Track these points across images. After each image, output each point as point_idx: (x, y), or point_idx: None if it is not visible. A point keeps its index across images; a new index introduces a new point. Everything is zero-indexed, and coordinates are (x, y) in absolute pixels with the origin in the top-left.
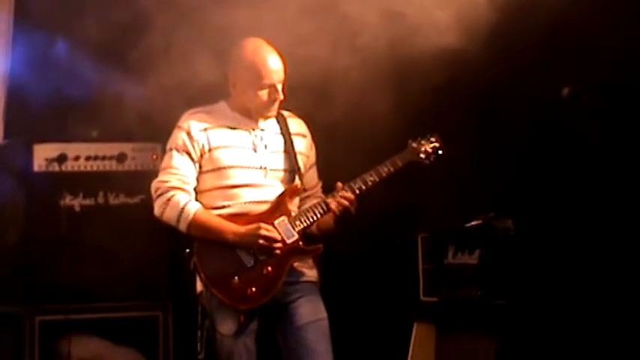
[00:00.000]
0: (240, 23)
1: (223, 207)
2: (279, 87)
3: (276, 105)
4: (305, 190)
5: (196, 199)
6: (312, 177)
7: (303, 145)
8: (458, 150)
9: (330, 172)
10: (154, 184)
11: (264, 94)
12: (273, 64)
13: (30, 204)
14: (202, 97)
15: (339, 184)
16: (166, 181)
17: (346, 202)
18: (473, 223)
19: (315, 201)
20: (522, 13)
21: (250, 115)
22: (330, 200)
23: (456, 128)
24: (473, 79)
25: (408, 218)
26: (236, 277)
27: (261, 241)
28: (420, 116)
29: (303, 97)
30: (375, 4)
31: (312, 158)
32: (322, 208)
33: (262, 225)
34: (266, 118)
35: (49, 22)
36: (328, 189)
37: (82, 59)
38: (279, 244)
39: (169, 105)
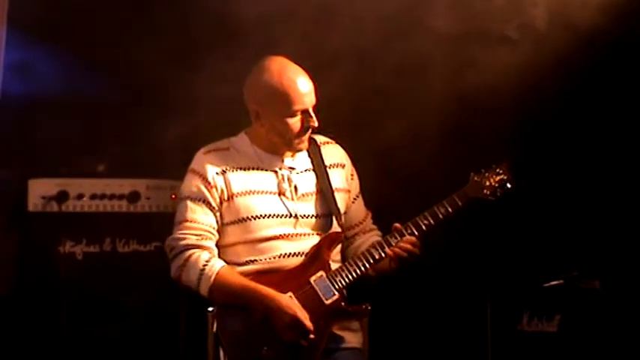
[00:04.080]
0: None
1: (250, 262)
2: (312, 112)
3: (308, 135)
4: (353, 227)
5: (218, 255)
6: (357, 210)
7: (342, 177)
8: (535, 196)
9: (380, 209)
10: (169, 243)
11: (295, 122)
12: (304, 86)
13: (23, 250)
14: (226, 126)
15: (398, 226)
16: (182, 238)
17: (409, 247)
18: (552, 283)
19: (366, 240)
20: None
21: (276, 149)
22: (383, 250)
23: (532, 169)
24: (552, 109)
25: (476, 276)
26: (265, 348)
27: (289, 328)
28: (485, 154)
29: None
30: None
31: (355, 189)
32: (369, 260)
33: (300, 323)
34: (296, 151)
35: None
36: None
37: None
38: (304, 343)
39: (190, 136)
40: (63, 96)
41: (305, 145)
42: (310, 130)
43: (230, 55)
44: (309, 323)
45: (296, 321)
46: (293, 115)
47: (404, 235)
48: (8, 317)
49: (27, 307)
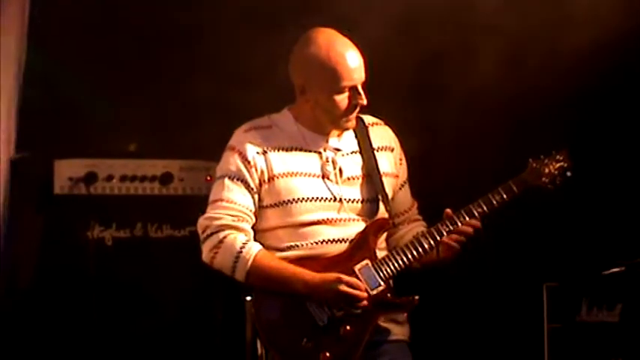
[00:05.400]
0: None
1: (290, 248)
2: (361, 88)
3: (356, 113)
4: (398, 215)
5: (256, 240)
6: (404, 198)
7: (391, 161)
8: (595, 179)
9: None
10: (202, 222)
11: (342, 99)
12: (353, 61)
13: (48, 236)
14: (268, 103)
15: (449, 212)
16: (217, 218)
17: (469, 230)
18: (614, 270)
19: (410, 230)
20: None
21: (321, 128)
22: (435, 239)
23: (592, 152)
24: (614, 94)
25: (532, 263)
26: (305, 339)
27: (340, 297)
28: (543, 132)
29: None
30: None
31: (403, 176)
32: (418, 249)
33: (343, 278)
34: (343, 130)
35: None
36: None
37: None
38: (364, 302)
39: (227, 113)
40: (90, 70)
41: (352, 123)
42: (358, 109)
43: (276, 29)
44: (359, 288)
45: (345, 291)
46: (340, 92)
47: (456, 224)
48: (33, 307)
49: (53, 296)
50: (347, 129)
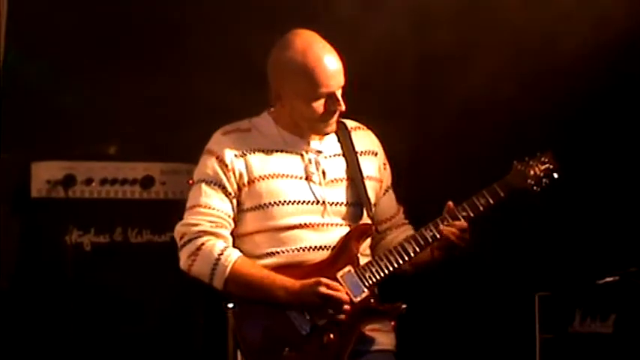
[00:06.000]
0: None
1: (270, 255)
2: (339, 94)
3: (335, 118)
4: (385, 221)
5: (234, 246)
6: (389, 204)
7: (374, 166)
8: (587, 186)
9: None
10: (179, 229)
11: (319, 105)
12: (331, 66)
13: (25, 241)
14: (251, 105)
15: (451, 205)
16: (195, 224)
17: (456, 232)
18: (607, 279)
19: (398, 236)
20: None
21: (302, 132)
22: (419, 244)
23: (585, 157)
24: (606, 95)
25: (523, 272)
26: (287, 349)
27: (321, 302)
28: (542, 135)
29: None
30: None
31: (387, 181)
32: (402, 255)
33: (323, 280)
34: (323, 135)
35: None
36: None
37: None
38: (346, 306)
39: (210, 115)
40: (69, 71)
41: (332, 127)
42: (338, 113)
43: (269, 28)
44: (341, 291)
45: (326, 293)
46: (318, 98)
47: (439, 228)
48: (9, 314)
49: (30, 302)
50: (327, 134)
